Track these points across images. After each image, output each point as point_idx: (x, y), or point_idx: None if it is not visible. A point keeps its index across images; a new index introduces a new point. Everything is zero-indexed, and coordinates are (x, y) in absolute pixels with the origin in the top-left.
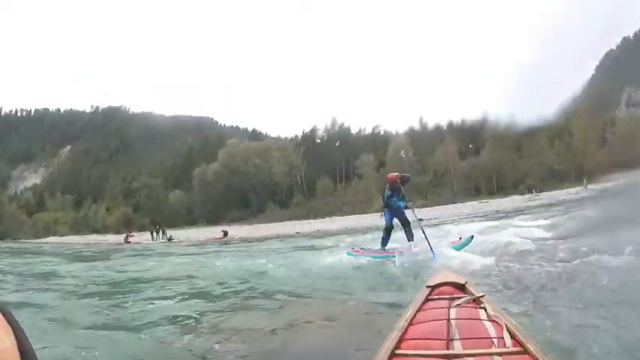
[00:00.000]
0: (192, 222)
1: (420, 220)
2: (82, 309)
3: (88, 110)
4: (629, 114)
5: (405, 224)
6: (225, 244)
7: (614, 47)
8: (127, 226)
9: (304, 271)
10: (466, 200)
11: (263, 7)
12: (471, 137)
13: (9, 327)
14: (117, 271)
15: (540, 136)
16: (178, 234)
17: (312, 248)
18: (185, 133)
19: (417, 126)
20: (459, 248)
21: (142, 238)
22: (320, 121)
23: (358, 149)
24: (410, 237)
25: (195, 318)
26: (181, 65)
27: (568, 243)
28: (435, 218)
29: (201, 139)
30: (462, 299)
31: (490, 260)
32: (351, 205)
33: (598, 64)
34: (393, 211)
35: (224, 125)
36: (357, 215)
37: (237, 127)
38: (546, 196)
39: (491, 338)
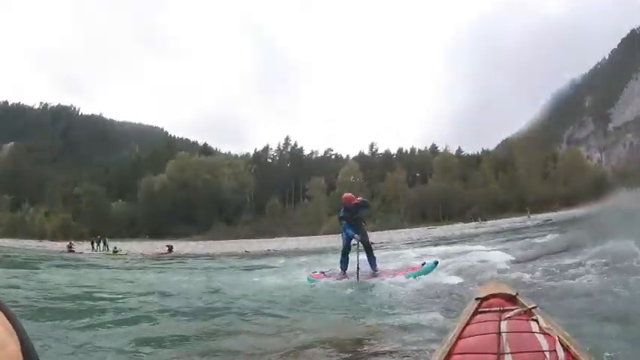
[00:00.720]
0: (134, 234)
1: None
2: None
3: (36, 107)
4: (569, 150)
5: (367, 249)
6: (172, 259)
7: (559, 90)
8: (64, 233)
9: (278, 293)
10: (413, 226)
11: (220, 17)
12: (419, 166)
13: (13, 330)
14: (67, 285)
15: (486, 167)
16: (120, 246)
17: (272, 269)
18: (133, 142)
19: (367, 151)
20: (416, 276)
21: (81, 247)
22: (273, 141)
23: (309, 171)
24: (372, 264)
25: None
26: (135, 70)
27: (540, 264)
28: (387, 242)
29: (150, 148)
30: (513, 311)
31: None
32: (300, 227)
33: (544, 102)
34: (353, 231)
35: (174, 136)
36: (307, 237)
37: (187, 140)
38: (492, 224)
39: (544, 351)
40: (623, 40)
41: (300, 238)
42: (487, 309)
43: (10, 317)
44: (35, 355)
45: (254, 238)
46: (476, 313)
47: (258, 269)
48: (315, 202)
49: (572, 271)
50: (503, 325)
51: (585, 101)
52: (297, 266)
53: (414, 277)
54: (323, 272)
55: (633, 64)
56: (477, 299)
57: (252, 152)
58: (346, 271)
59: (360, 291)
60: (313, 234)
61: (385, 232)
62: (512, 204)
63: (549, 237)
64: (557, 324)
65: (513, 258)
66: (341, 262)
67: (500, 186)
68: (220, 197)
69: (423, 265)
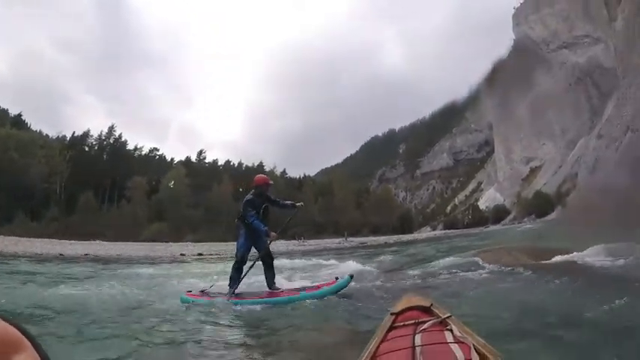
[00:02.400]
0: None
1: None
2: None
3: None
4: (382, 187)
5: (266, 263)
6: None
7: (380, 134)
8: None
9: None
10: (234, 240)
11: None
12: (246, 181)
13: (29, 344)
14: None
15: (307, 191)
16: None
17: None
18: None
19: (194, 158)
20: (333, 293)
21: None
22: (96, 127)
23: (130, 169)
24: (271, 280)
25: None
26: None
27: (407, 273)
28: (219, 254)
29: None
30: (428, 323)
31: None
32: (117, 230)
33: (363, 143)
34: (251, 233)
35: None
36: (125, 243)
37: None
38: (315, 243)
39: None
40: (444, 106)
41: (124, 244)
42: (402, 323)
43: (26, 333)
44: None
45: (63, 238)
46: (391, 328)
47: (88, 279)
48: (135, 204)
49: (441, 276)
50: (418, 339)
51: (400, 148)
52: (139, 277)
53: (331, 294)
54: (203, 291)
55: (446, 127)
56: (391, 314)
57: (69, 136)
58: (235, 291)
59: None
60: (131, 239)
61: (212, 243)
62: (329, 227)
63: (385, 256)
64: (472, 331)
65: (373, 269)
66: (233, 278)
67: (319, 210)
68: (26, 183)
69: (336, 279)
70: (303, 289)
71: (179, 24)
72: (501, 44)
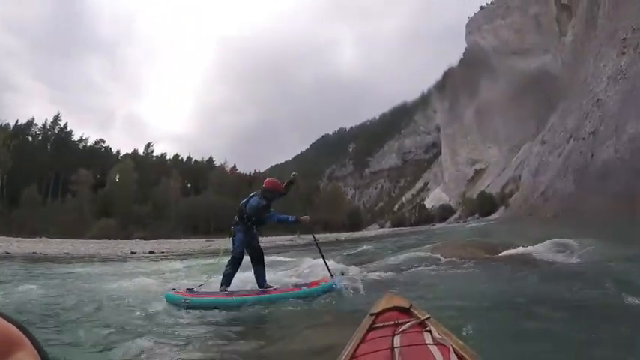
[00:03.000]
0: None
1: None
2: None
3: None
4: (332, 185)
5: (260, 259)
6: None
7: (331, 133)
8: None
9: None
10: (184, 237)
11: None
12: (195, 176)
13: (30, 343)
14: None
15: (256, 187)
16: None
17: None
18: None
19: (142, 151)
20: (319, 291)
21: None
22: (40, 116)
23: (76, 161)
24: (262, 277)
25: None
26: None
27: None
28: (170, 252)
29: None
30: (407, 324)
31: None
32: (62, 227)
33: (314, 141)
34: (249, 233)
35: None
36: (79, 240)
37: None
38: (266, 240)
39: None
40: (394, 107)
41: (68, 240)
42: (382, 324)
43: (27, 333)
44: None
45: (9, 235)
46: (370, 329)
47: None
48: (80, 198)
49: (408, 270)
50: (397, 340)
51: (350, 147)
52: (102, 277)
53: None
54: (190, 289)
55: (396, 128)
56: (371, 315)
57: (12, 124)
58: (228, 288)
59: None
60: (77, 236)
61: (159, 240)
62: (279, 224)
63: (346, 252)
64: (451, 332)
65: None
66: (228, 274)
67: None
68: None
69: (332, 276)
70: (298, 286)
71: (131, 11)
72: (453, 51)
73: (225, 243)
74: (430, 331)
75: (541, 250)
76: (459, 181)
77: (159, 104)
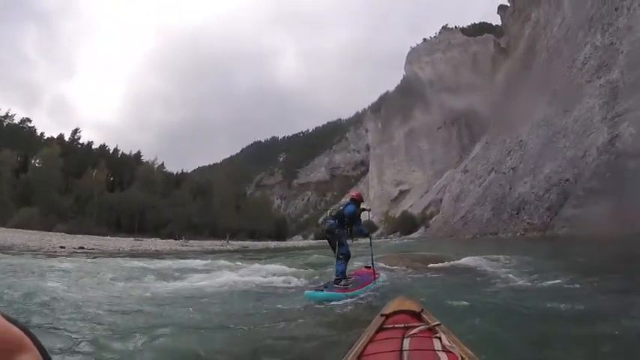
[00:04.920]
0: None
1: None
2: None
3: None
4: (260, 193)
5: (347, 257)
6: None
7: (263, 140)
8: None
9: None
10: (108, 234)
11: None
12: (122, 170)
13: (32, 344)
14: None
15: (186, 189)
16: None
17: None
18: None
19: (68, 137)
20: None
21: None
22: None
23: None
24: (341, 273)
25: None
26: None
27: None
28: (97, 247)
29: None
30: (417, 328)
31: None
32: None
33: (245, 146)
34: (341, 236)
35: None
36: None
37: None
38: (195, 244)
39: None
40: (328, 122)
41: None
42: (392, 325)
43: (29, 335)
44: None
45: None
46: (380, 329)
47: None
48: (1, 182)
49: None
50: (406, 343)
51: (280, 157)
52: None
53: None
54: (325, 286)
55: (327, 143)
56: (381, 315)
57: None
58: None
59: None
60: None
61: (81, 236)
62: (206, 228)
63: (290, 260)
64: (460, 341)
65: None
66: (344, 271)
67: (197, 209)
68: None
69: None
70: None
71: None
72: (391, 77)
73: (154, 243)
74: (440, 338)
75: (466, 261)
76: (383, 199)
77: (89, 88)
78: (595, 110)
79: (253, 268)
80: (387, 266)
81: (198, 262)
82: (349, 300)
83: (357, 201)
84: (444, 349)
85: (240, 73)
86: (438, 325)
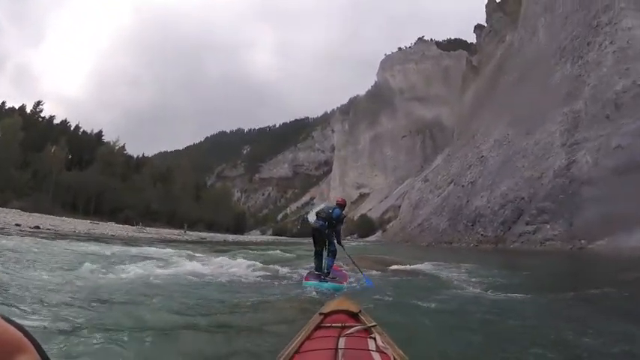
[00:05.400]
0: None
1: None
2: None
3: None
4: (222, 184)
5: (334, 252)
6: None
7: (228, 131)
8: None
9: None
10: (64, 214)
11: None
12: (82, 149)
13: (32, 345)
14: None
15: (146, 174)
16: None
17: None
18: None
19: (30, 109)
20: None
21: None
22: None
23: None
24: (329, 268)
25: None
26: None
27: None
28: (53, 228)
29: None
30: (353, 328)
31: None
32: None
33: (209, 135)
34: (330, 234)
35: None
36: None
37: None
38: (153, 232)
39: None
40: (296, 120)
41: None
42: (329, 324)
43: (27, 335)
44: None
45: None
46: (318, 327)
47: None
48: None
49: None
50: (342, 342)
51: (244, 149)
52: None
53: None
54: (322, 277)
55: (293, 140)
56: (320, 314)
57: None
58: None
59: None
60: None
61: (41, 215)
62: (163, 216)
63: (252, 253)
64: (395, 343)
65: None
66: (330, 265)
67: (156, 196)
68: None
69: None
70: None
71: None
72: (363, 81)
73: (111, 228)
74: (375, 339)
75: (423, 266)
76: None
77: (56, 59)
78: (556, 136)
79: (218, 261)
80: (345, 266)
81: (162, 252)
82: (345, 290)
83: (342, 206)
84: (378, 350)
85: (212, 61)
86: (374, 326)
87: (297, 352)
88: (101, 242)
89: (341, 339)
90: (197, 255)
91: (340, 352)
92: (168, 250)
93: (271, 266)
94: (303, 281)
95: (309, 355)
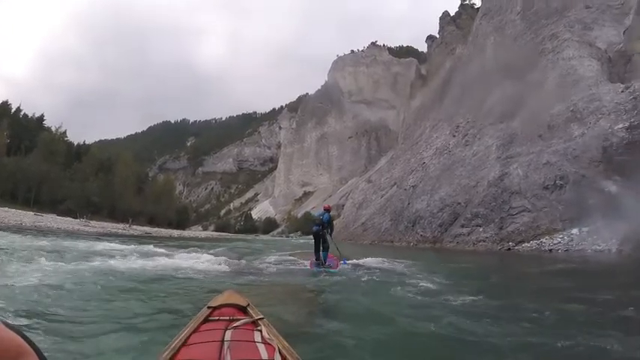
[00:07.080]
0: None
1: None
2: None
3: None
4: (165, 176)
5: (326, 248)
6: None
7: (172, 121)
8: None
9: None
10: (4, 204)
11: None
12: (22, 134)
13: (33, 352)
14: None
15: (87, 163)
16: None
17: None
18: None
19: None
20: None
21: None
22: None
23: None
24: (325, 259)
25: None
26: None
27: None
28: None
29: None
30: (240, 321)
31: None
32: None
33: (152, 125)
34: (324, 234)
35: None
36: None
37: None
38: (97, 225)
39: None
40: (243, 114)
41: None
42: (217, 317)
43: (27, 340)
44: None
45: None
46: (205, 320)
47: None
48: None
49: (279, 266)
50: (228, 335)
51: (189, 141)
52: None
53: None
54: (320, 264)
55: (239, 134)
56: (208, 307)
57: None
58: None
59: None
60: None
61: None
62: (104, 208)
63: (213, 250)
64: (280, 334)
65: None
66: (325, 256)
67: (97, 187)
68: None
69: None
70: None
71: None
72: (314, 80)
73: (54, 220)
74: (260, 331)
75: (369, 261)
76: (287, 198)
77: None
78: (492, 149)
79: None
80: (302, 261)
81: (131, 248)
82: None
83: (329, 211)
84: (264, 341)
85: (160, 48)
86: (261, 319)
87: (184, 344)
88: (51, 236)
89: (228, 331)
90: (172, 252)
91: (226, 344)
92: (133, 245)
93: (271, 257)
94: (309, 268)
95: (196, 347)
